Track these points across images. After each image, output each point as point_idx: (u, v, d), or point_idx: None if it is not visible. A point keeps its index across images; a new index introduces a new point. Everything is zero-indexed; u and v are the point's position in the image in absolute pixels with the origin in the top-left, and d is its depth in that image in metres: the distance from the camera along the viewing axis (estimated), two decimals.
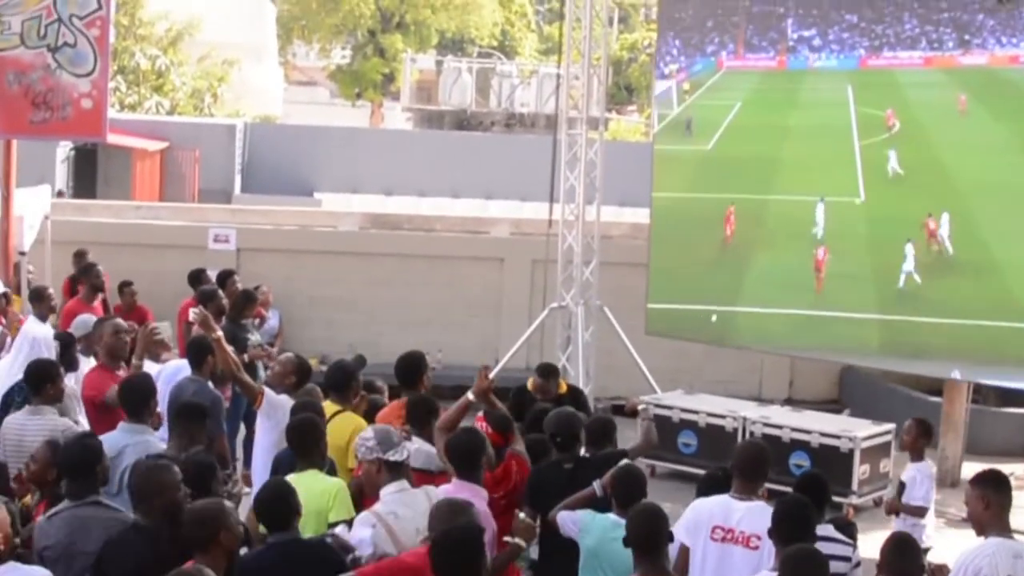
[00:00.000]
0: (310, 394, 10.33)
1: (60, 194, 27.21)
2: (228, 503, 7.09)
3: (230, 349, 11.17)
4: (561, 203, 18.97)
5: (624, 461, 9.18)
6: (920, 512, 11.50)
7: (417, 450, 9.14)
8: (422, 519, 7.64)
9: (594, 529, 8.35)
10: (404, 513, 7.88)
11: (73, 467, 7.76)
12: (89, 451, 7.88)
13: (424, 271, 20.76)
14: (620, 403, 11.56)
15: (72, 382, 10.91)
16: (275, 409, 10.18)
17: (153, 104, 40.79)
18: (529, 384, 12.26)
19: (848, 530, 8.88)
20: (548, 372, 12.22)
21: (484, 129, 39.48)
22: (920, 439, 11.77)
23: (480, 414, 9.89)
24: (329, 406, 10.09)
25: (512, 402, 12.21)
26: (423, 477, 8.88)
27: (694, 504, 8.34)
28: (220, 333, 10.76)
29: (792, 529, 7.36)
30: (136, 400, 9.37)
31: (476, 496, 8.28)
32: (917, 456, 11.77)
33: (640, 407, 11.14)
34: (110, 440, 8.78)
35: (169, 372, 11.59)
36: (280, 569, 7.20)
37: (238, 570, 7.21)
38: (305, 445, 8.80)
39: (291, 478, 8.10)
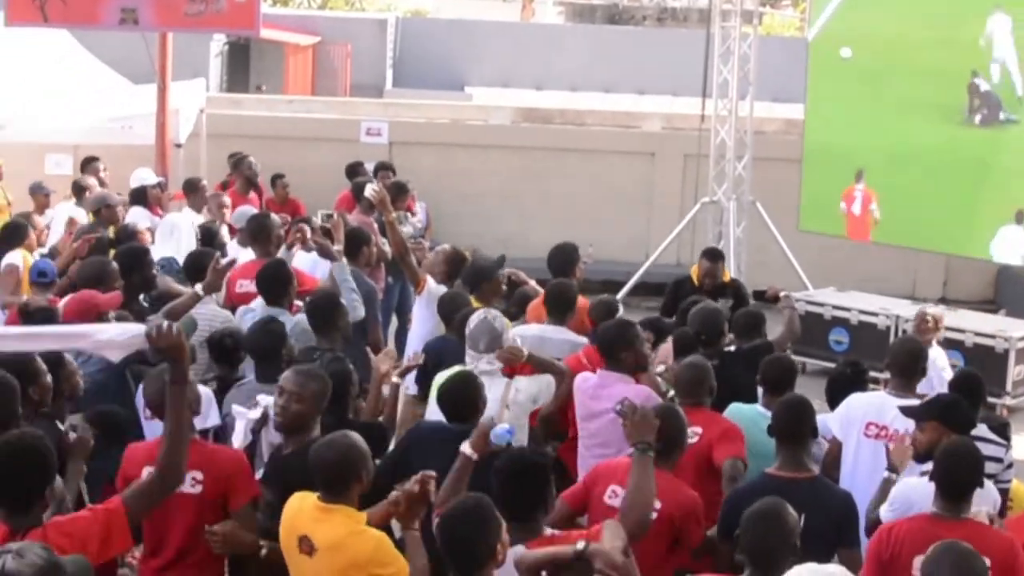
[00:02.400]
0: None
1: (258, 88, 27.50)
2: None
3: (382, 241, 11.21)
4: (714, 98, 18.81)
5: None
6: None
7: (550, 339, 9.51)
8: (495, 406, 7.92)
9: (742, 420, 8.27)
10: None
11: (258, 350, 8.14)
12: (273, 335, 8.23)
13: (575, 165, 20.67)
14: (762, 289, 11.45)
15: None
16: (434, 299, 10.19)
17: None
18: (693, 270, 12.24)
19: (1002, 431, 8.72)
20: (716, 255, 12.23)
21: (636, 23, 39.14)
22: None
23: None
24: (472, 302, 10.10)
25: (669, 294, 12.19)
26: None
27: (849, 399, 8.27)
28: (395, 215, 10.78)
29: (952, 429, 7.25)
30: (272, 285, 9.55)
31: (621, 381, 8.37)
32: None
33: (782, 294, 11.03)
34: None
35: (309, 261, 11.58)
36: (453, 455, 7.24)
37: (416, 434, 7.62)
38: None
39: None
